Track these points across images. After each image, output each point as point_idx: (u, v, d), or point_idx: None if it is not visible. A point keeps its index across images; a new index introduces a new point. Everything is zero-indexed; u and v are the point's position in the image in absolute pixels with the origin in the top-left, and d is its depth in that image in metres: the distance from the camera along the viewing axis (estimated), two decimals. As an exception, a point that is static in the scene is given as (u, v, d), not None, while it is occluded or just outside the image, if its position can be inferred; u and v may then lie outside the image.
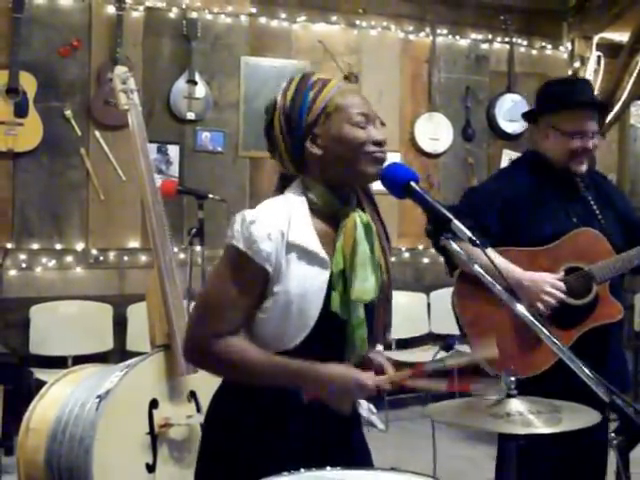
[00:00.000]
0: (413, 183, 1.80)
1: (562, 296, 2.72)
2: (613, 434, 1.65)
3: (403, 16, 6.57)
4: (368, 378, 1.81)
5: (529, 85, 6.93)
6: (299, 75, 1.95)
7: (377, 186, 5.43)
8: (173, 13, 5.83)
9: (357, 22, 6.40)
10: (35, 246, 5.48)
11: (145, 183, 3.30)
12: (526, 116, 3.11)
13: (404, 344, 6.32)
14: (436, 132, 6.64)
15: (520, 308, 1.75)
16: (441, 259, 6.59)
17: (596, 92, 6.81)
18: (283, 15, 6.14)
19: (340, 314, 1.84)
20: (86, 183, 5.60)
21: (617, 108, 6.82)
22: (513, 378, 2.06)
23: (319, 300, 1.83)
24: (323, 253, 1.85)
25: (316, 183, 1.89)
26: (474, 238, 1.72)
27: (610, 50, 7.04)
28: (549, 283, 2.71)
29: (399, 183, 1.81)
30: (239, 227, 1.82)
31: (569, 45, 7.13)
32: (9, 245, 5.38)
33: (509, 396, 2.06)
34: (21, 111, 5.30)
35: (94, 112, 5.53)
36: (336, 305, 1.83)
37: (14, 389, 4.48)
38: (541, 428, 1.92)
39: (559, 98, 2.87)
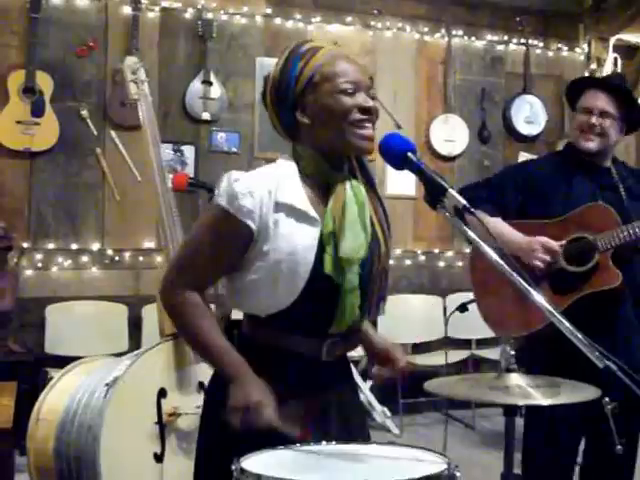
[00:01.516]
0: (410, 154, 1.80)
1: (548, 258, 2.85)
2: (607, 399, 1.65)
3: (418, 17, 6.57)
4: (263, 410, 1.78)
5: (545, 87, 6.92)
6: (292, 44, 1.96)
7: (390, 191, 5.43)
8: (189, 13, 5.87)
9: (372, 23, 6.41)
10: (51, 246, 5.52)
11: (155, 173, 3.31)
12: (569, 100, 3.18)
13: (420, 348, 6.30)
14: (451, 134, 6.61)
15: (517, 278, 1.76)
16: (458, 263, 6.62)
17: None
18: (298, 16, 6.17)
19: (333, 277, 1.83)
20: (102, 183, 5.64)
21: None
22: (513, 352, 2.07)
23: (309, 259, 1.82)
24: (312, 212, 1.85)
25: (307, 151, 1.90)
26: (468, 206, 1.73)
27: (627, 51, 7.01)
28: (541, 243, 2.84)
29: (396, 154, 1.82)
30: (224, 185, 1.84)
31: (585, 47, 7.09)
32: (25, 245, 5.42)
33: (508, 371, 2.07)
34: (38, 111, 5.36)
35: (110, 112, 5.58)
36: (329, 267, 1.82)
37: (29, 389, 4.49)
38: (540, 400, 1.94)
39: (588, 79, 3.07)
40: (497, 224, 2.89)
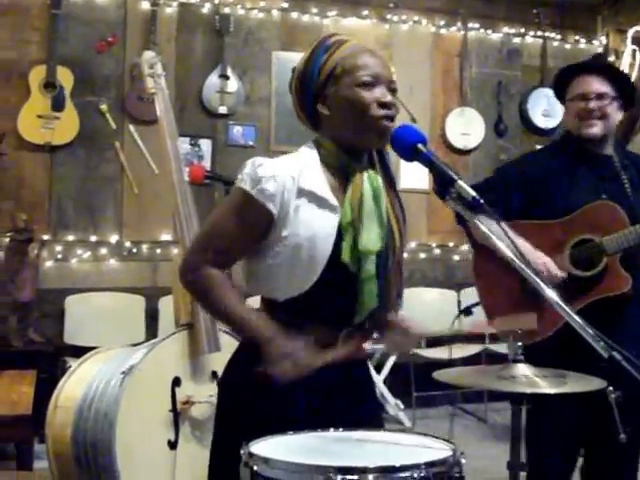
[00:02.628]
0: (420, 145, 1.82)
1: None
2: (611, 388, 1.68)
3: (434, 10, 6.58)
4: (311, 352, 1.81)
5: (562, 80, 6.89)
6: (320, 37, 2.00)
7: (404, 184, 5.40)
8: (206, 8, 5.93)
9: (388, 16, 6.43)
10: (71, 238, 5.61)
11: (171, 165, 3.37)
12: (556, 95, 3.11)
13: (434, 341, 6.31)
14: (467, 127, 6.62)
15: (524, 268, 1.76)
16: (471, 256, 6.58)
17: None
18: (314, 10, 6.21)
19: (350, 265, 1.86)
20: (120, 176, 5.72)
21: (652, 103, 6.73)
22: (520, 344, 2.10)
23: (328, 245, 1.85)
24: (333, 199, 1.88)
25: (328, 140, 1.94)
26: (478, 197, 1.74)
27: (646, 43, 6.97)
28: (546, 266, 2.74)
29: (407, 145, 1.83)
30: (248, 169, 1.88)
31: (603, 39, 7.06)
32: (46, 237, 5.51)
33: (515, 361, 2.10)
34: (58, 105, 5.44)
35: (128, 107, 5.65)
36: (347, 256, 1.85)
37: (48, 378, 4.57)
38: (546, 389, 1.96)
39: (567, 69, 2.97)
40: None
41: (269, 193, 1.84)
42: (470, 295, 6.28)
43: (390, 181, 2.00)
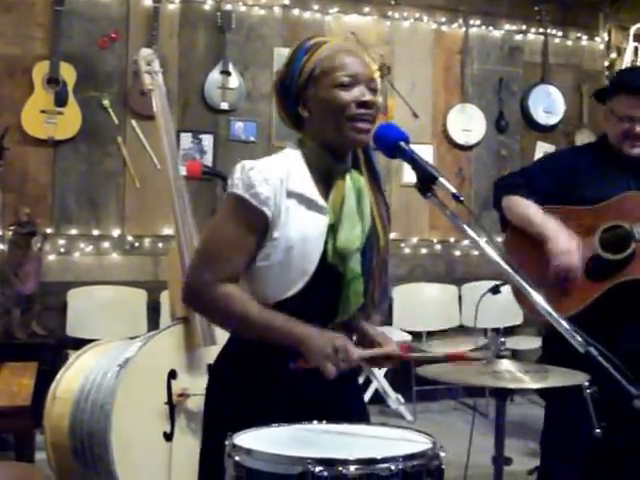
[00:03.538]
0: (402, 143, 1.85)
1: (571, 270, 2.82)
2: (587, 383, 1.71)
3: (436, 7, 6.60)
4: (349, 347, 1.84)
5: (564, 76, 6.92)
6: (303, 40, 2.01)
7: (407, 179, 5.48)
8: (208, 5, 5.97)
9: (389, 13, 6.45)
10: (73, 232, 5.67)
11: (167, 160, 3.41)
12: (597, 97, 3.17)
13: (435, 336, 6.35)
14: (469, 124, 6.64)
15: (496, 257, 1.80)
16: (473, 252, 6.63)
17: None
18: (316, 7, 6.23)
19: (336, 266, 1.89)
20: (122, 171, 5.77)
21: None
22: (503, 339, 2.13)
23: (319, 246, 1.88)
24: (321, 200, 1.91)
25: (310, 141, 1.96)
26: (458, 194, 1.77)
27: (648, 41, 6.97)
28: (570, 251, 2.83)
29: (389, 143, 1.86)
30: (239, 174, 1.88)
31: (605, 36, 7.06)
32: (49, 230, 5.56)
33: (499, 357, 2.13)
34: (61, 100, 5.49)
35: (131, 102, 5.69)
36: (332, 257, 1.88)
37: (51, 370, 4.62)
38: (528, 383, 1.99)
39: (619, 82, 3.01)
40: (531, 208, 2.95)
41: (264, 197, 1.85)
42: (471, 290, 6.35)
43: (375, 180, 2.02)
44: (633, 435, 2.77)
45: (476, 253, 6.57)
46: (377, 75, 2.02)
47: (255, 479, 1.57)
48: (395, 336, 5.89)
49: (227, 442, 1.64)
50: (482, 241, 1.81)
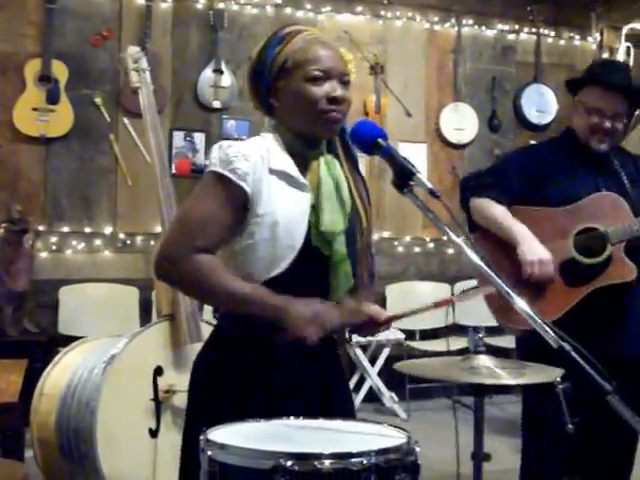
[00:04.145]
0: (380, 140, 1.85)
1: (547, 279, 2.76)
2: (559, 379, 1.72)
3: (429, 6, 6.62)
4: (329, 310, 1.85)
5: (556, 76, 6.92)
6: (277, 28, 2.01)
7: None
8: (200, 4, 5.99)
9: (382, 12, 6.47)
10: (65, 229, 5.68)
11: (154, 157, 3.42)
12: (568, 88, 3.10)
13: (428, 335, 6.35)
14: (461, 123, 6.66)
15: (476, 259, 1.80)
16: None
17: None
18: (309, 6, 6.25)
19: (321, 248, 1.90)
20: (115, 169, 5.78)
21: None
22: (481, 335, 2.14)
23: (303, 222, 1.89)
24: (302, 178, 1.92)
25: (283, 128, 1.96)
26: (435, 190, 1.77)
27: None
28: (540, 261, 2.76)
29: (367, 140, 1.86)
30: (216, 153, 1.89)
31: (598, 35, 7.07)
32: (41, 228, 5.57)
33: (477, 352, 2.14)
34: (53, 98, 5.50)
35: (123, 100, 5.70)
36: (315, 239, 1.89)
37: (42, 367, 4.63)
38: (505, 379, 2.00)
39: (589, 74, 2.97)
40: (500, 212, 2.88)
41: (242, 172, 1.85)
42: (464, 288, 6.33)
43: (354, 164, 2.04)
44: (605, 429, 2.76)
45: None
46: (351, 66, 1.99)
47: (228, 474, 1.58)
48: (388, 334, 5.91)
49: (201, 437, 1.64)
50: (458, 239, 1.81)
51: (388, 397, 5.96)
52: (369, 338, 5.51)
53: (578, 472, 2.75)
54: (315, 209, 1.91)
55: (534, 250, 2.78)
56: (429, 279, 6.56)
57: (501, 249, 2.86)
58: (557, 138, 3.13)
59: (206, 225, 1.88)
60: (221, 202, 1.87)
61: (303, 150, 1.96)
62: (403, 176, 1.82)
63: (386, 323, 2.03)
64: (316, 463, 1.52)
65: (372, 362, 5.90)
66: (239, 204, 1.88)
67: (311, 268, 1.91)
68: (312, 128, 1.92)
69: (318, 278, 1.93)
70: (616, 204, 2.82)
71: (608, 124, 2.84)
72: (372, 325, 2.03)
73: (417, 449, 1.64)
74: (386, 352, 5.93)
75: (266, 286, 1.88)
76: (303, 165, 1.95)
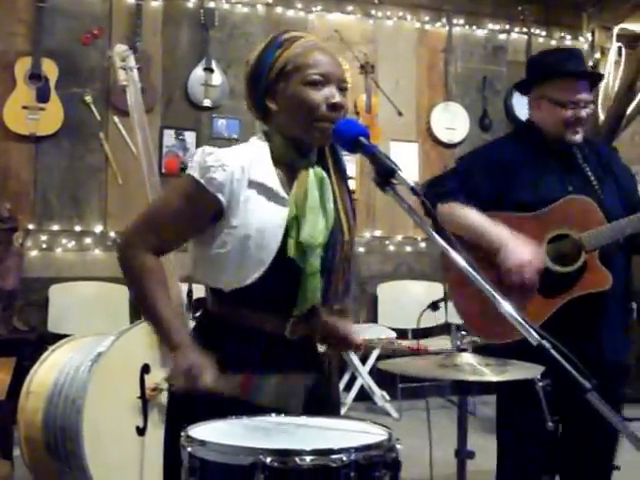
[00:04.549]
0: (362, 138, 1.84)
1: (535, 279, 2.65)
2: (539, 376, 1.73)
3: (419, 6, 6.63)
4: (203, 371, 1.83)
5: (548, 76, 6.93)
6: (274, 33, 2.01)
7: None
8: (191, 3, 6.00)
9: (373, 12, 6.49)
10: (55, 228, 5.68)
11: (141, 155, 3.42)
12: (519, 87, 3.01)
13: (420, 334, 6.34)
14: (452, 122, 6.68)
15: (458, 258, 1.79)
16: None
17: (617, 83, 6.78)
18: (299, 5, 6.26)
19: (296, 260, 1.89)
20: (105, 167, 5.78)
21: (638, 99, 6.76)
22: (464, 332, 2.15)
23: (277, 237, 1.88)
24: (282, 192, 1.91)
25: (276, 134, 1.96)
26: (416, 188, 1.76)
27: (631, 41, 6.96)
28: (530, 260, 2.63)
29: (349, 138, 1.85)
30: (198, 158, 1.89)
31: (589, 36, 7.10)
32: (30, 226, 5.57)
33: (460, 350, 2.15)
34: (43, 96, 5.50)
35: (113, 98, 5.70)
36: (292, 251, 1.88)
37: (31, 365, 4.62)
38: (487, 376, 2.01)
39: (551, 67, 2.83)
40: (474, 216, 2.73)
41: (217, 182, 1.84)
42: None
43: (341, 175, 2.03)
44: (585, 428, 2.76)
45: (460, 251, 6.60)
46: (348, 75, 1.99)
47: (208, 470, 1.58)
48: (380, 333, 5.92)
49: (182, 434, 1.65)
50: (438, 237, 1.80)
51: (379, 396, 5.96)
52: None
53: (557, 471, 2.73)
54: (297, 220, 1.90)
55: (517, 255, 2.64)
56: (421, 278, 6.56)
57: (475, 257, 2.74)
58: (516, 134, 3.02)
59: (165, 228, 1.91)
60: (190, 208, 1.88)
61: (293, 158, 1.95)
62: (385, 174, 1.82)
63: (357, 347, 2.06)
64: (297, 459, 1.52)
65: (363, 361, 5.90)
66: (209, 213, 1.88)
67: (281, 279, 1.90)
68: (307, 133, 1.91)
69: (286, 290, 1.92)
70: (587, 208, 2.72)
71: (584, 113, 2.77)
72: (344, 343, 2.06)
73: (398, 446, 1.65)
74: (377, 351, 5.93)
75: (234, 295, 1.90)
76: (291, 174, 1.95)
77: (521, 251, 2.63)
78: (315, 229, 1.91)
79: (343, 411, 5.44)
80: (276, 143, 1.95)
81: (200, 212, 1.89)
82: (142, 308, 1.96)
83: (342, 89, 1.94)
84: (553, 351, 1.62)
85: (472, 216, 2.72)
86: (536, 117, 2.85)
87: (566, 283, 2.71)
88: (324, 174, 1.98)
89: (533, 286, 2.64)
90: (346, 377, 6.01)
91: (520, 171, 2.77)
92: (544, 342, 1.64)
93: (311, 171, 1.95)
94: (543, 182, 2.77)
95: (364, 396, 5.96)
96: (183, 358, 1.84)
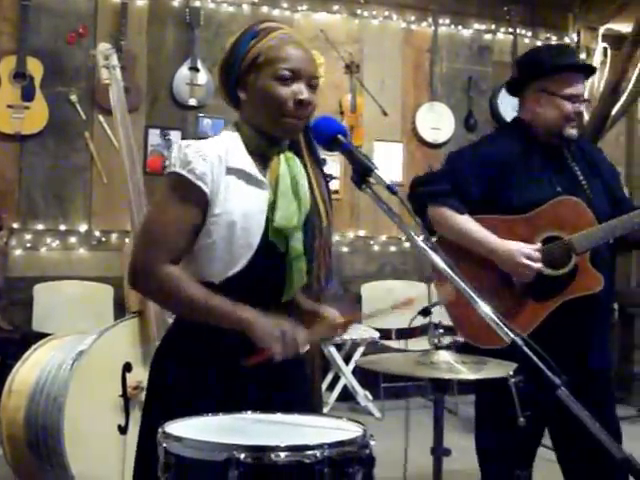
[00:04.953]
0: (340, 136, 1.86)
1: (538, 266, 2.67)
2: (511, 373, 1.74)
3: (405, 5, 6.64)
4: (296, 330, 1.85)
5: (533, 76, 6.96)
6: (252, 23, 2.02)
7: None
8: (177, 2, 5.99)
9: (359, 11, 6.49)
10: (40, 227, 5.66)
11: (124, 154, 3.43)
12: (511, 84, 2.99)
13: (404, 333, 6.35)
14: (438, 122, 6.69)
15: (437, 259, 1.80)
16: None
17: (602, 83, 6.81)
18: (285, 4, 6.27)
19: (277, 244, 1.91)
20: (90, 166, 5.77)
21: (623, 100, 6.79)
22: (441, 330, 2.17)
23: (260, 221, 1.90)
24: (260, 176, 1.94)
25: (246, 124, 1.98)
26: (393, 186, 1.77)
27: (617, 41, 6.96)
28: (525, 254, 2.67)
29: (327, 136, 1.87)
30: (175, 153, 1.90)
31: (575, 36, 7.12)
32: (15, 225, 5.56)
33: (437, 348, 2.16)
34: (28, 95, 5.49)
35: (98, 97, 5.68)
36: (273, 236, 1.91)
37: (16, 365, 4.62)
38: (463, 374, 2.02)
39: (551, 61, 2.81)
40: (468, 223, 2.74)
41: (200, 172, 1.86)
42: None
43: (316, 162, 2.05)
44: (559, 424, 2.77)
45: (445, 251, 6.61)
46: (321, 70, 2.00)
47: (183, 466, 1.59)
48: (364, 333, 5.93)
49: (159, 430, 1.65)
50: (418, 238, 1.82)
51: (362, 396, 5.97)
52: (344, 336, 5.52)
53: (530, 466, 2.75)
54: (274, 205, 1.92)
55: (507, 259, 2.68)
56: (405, 278, 6.56)
57: (464, 262, 2.68)
58: (505, 131, 3.00)
59: (171, 235, 1.90)
60: (184, 207, 1.89)
61: (264, 148, 1.97)
62: (362, 172, 1.84)
63: (343, 326, 2.05)
64: (272, 455, 1.53)
65: (346, 361, 5.91)
66: (200, 205, 1.89)
67: (267, 265, 1.92)
68: (274, 127, 1.94)
69: (274, 275, 1.95)
70: (578, 209, 2.72)
71: (582, 107, 2.80)
72: (328, 328, 2.06)
73: (372, 443, 1.66)
74: (360, 351, 5.94)
75: (225, 286, 1.90)
76: (263, 163, 1.97)
77: (511, 254, 2.67)
78: (287, 213, 1.93)
79: (325, 410, 5.46)
80: (246, 133, 1.97)
81: (192, 204, 1.89)
82: (195, 314, 1.91)
83: (312, 86, 1.96)
84: (525, 348, 1.64)
85: (463, 223, 2.73)
86: (532, 113, 2.82)
87: (558, 286, 2.71)
88: (296, 159, 2.00)
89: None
90: (329, 377, 6.02)
91: (509, 171, 2.76)
92: (517, 339, 1.67)
93: (282, 157, 1.97)
94: (532, 183, 2.76)
95: (347, 396, 5.97)
96: (266, 328, 1.83)
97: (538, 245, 2.71)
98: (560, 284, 2.70)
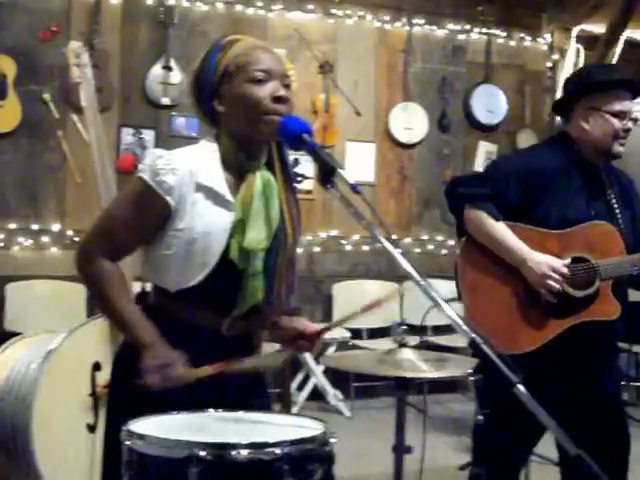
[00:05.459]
0: (305, 135, 1.87)
1: (561, 286, 2.72)
2: (471, 370, 1.77)
3: (379, 5, 6.64)
4: (175, 366, 1.87)
5: (506, 77, 7.02)
6: (215, 41, 2.05)
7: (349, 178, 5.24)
8: (150, 0, 5.96)
9: (333, 11, 6.49)
10: (12, 226, 5.63)
11: (94, 153, 3.43)
12: (560, 104, 3.00)
13: (375, 334, 6.38)
14: (411, 122, 6.70)
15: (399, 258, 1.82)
16: (416, 249, 6.58)
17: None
18: (259, 3, 6.25)
19: (237, 262, 1.93)
20: (63, 165, 5.74)
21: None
22: (404, 327, 2.19)
23: (222, 241, 1.92)
24: (229, 195, 1.95)
25: (225, 137, 1.99)
26: (356, 185, 1.79)
27: (590, 42, 7.03)
28: (552, 268, 2.71)
29: (292, 135, 1.89)
30: (148, 160, 1.93)
31: (548, 37, 7.16)
32: (-13, 224, 5.52)
33: (401, 346, 2.19)
34: (0, 94, 5.46)
35: (71, 96, 5.62)
36: (234, 253, 1.92)
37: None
38: (426, 373, 2.05)
39: (600, 78, 2.84)
40: (503, 231, 2.77)
41: (167, 186, 1.88)
42: (412, 288, 6.30)
43: (287, 178, 2.06)
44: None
45: (418, 250, 6.66)
46: (291, 72, 2.01)
47: (146, 463, 1.62)
48: (334, 333, 5.94)
49: (123, 428, 1.67)
50: (383, 238, 1.84)
51: (332, 395, 6.00)
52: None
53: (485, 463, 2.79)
54: (242, 223, 1.94)
55: (535, 270, 2.72)
56: (377, 278, 6.57)
57: (493, 267, 2.78)
58: (552, 145, 2.99)
59: (119, 234, 1.96)
60: (142, 213, 1.93)
61: (241, 161, 1.99)
62: (326, 172, 1.85)
63: (318, 335, 2.09)
64: (232, 452, 1.55)
65: (317, 360, 5.93)
66: (160, 216, 1.92)
67: (223, 281, 1.95)
68: (255, 128, 1.94)
69: (228, 291, 1.97)
70: (611, 236, 2.78)
71: (631, 124, 2.82)
72: (304, 341, 2.10)
73: (332, 440, 1.68)
74: (332, 350, 5.95)
75: (177, 296, 1.95)
76: (239, 177, 1.98)
77: (540, 265, 2.71)
78: (258, 235, 1.95)
79: (295, 410, 5.47)
80: (225, 145, 1.99)
81: (151, 215, 1.93)
82: (106, 313, 2.01)
83: (286, 85, 1.98)
84: (484, 347, 1.67)
85: (498, 229, 2.77)
86: (580, 130, 2.84)
87: (575, 307, 2.75)
88: (271, 178, 2.01)
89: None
90: (299, 376, 6.03)
91: (550, 185, 2.79)
92: (476, 338, 1.69)
93: (258, 175, 1.98)
94: (570, 202, 2.80)
95: (317, 395, 5.99)
96: (154, 355, 1.87)
97: (567, 261, 2.76)
98: (578, 305, 2.75)
